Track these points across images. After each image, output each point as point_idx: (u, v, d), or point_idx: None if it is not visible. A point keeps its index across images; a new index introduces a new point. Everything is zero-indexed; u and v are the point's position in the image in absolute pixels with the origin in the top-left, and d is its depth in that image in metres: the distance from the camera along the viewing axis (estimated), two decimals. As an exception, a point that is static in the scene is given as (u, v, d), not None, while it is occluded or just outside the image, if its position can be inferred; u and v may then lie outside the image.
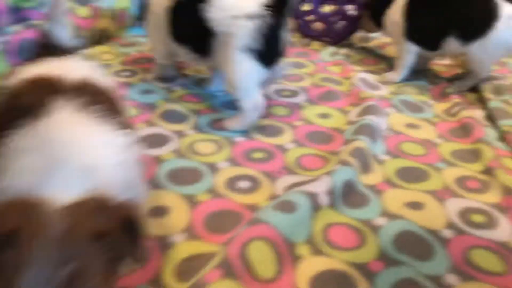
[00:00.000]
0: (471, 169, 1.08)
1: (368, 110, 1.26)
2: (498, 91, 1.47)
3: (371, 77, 1.53)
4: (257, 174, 1.02)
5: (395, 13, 1.47)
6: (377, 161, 1.10)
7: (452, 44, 1.38)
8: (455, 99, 1.38)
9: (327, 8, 1.96)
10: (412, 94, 1.45)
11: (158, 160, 1.05)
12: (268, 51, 1.10)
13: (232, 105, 1.29)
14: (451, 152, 1.15)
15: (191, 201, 0.93)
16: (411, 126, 1.27)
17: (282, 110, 1.31)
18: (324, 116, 1.30)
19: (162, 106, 1.28)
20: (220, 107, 1.30)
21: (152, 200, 0.92)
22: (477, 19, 1.32)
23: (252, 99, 1.14)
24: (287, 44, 1.18)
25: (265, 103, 1.31)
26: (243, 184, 0.99)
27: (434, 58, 1.58)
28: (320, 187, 0.92)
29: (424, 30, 1.42)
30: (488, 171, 1.06)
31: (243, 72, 1.11)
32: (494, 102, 1.34)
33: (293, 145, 1.15)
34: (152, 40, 1.35)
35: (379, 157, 1.12)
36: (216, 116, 1.25)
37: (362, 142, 1.10)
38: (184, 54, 1.25)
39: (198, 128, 1.19)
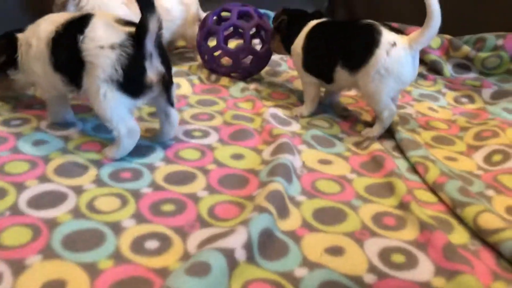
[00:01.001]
0: (386, 205, 1.08)
1: (281, 148, 1.23)
2: (404, 120, 1.52)
3: (281, 112, 1.51)
4: (167, 230, 0.93)
5: (298, 46, 1.49)
6: (294, 203, 1.06)
7: (341, 74, 1.38)
8: (367, 133, 1.39)
9: (234, 43, 1.94)
10: (322, 128, 1.44)
11: (52, 223, 0.92)
12: (131, 82, 1.09)
13: (138, 153, 1.19)
14: (365, 187, 1.15)
15: (92, 270, 0.81)
16: (324, 162, 1.25)
17: (193, 154, 1.24)
18: (237, 157, 1.24)
19: (58, 158, 1.15)
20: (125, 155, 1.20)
21: (43, 274, 0.79)
22: (358, 46, 1.32)
23: (124, 127, 1.13)
24: (163, 75, 1.13)
25: (174, 146, 1.24)
26: (152, 244, 0.89)
27: (339, 91, 1.59)
28: (236, 241, 0.86)
29: (317, 62, 1.44)
30: (402, 205, 1.06)
31: (108, 104, 1.10)
32: (401, 133, 1.37)
33: (206, 192, 1.08)
34: (34, 75, 1.24)
35: (296, 198, 1.08)
36: (120, 165, 1.15)
37: (278, 184, 1.05)
38: (62, 86, 1.19)
39: (99, 181, 1.07)
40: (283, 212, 1.00)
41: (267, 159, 1.22)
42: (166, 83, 1.16)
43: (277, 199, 1.01)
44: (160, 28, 1.08)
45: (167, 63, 1.15)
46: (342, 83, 1.43)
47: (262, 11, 1.91)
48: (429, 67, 2.04)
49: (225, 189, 1.09)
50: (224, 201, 1.05)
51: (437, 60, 2.01)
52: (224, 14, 1.78)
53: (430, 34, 1.27)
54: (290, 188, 1.09)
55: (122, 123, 1.13)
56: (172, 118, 1.24)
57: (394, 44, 1.28)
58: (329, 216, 1.02)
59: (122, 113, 1.13)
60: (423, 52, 2.04)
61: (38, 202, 0.98)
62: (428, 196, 1.13)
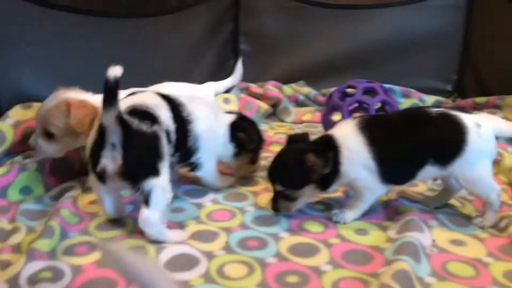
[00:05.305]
0: (531, 295, 0.97)
1: (409, 226, 1.19)
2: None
3: (410, 191, 1.46)
4: (292, 302, 0.94)
5: (360, 159, 1.21)
6: (423, 284, 1.00)
7: (430, 171, 1.23)
8: (503, 211, 1.29)
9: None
10: (454, 207, 1.36)
11: (185, 286, 0.99)
12: (91, 166, 1.14)
13: (263, 222, 1.25)
14: (504, 274, 1.05)
15: (219, 335, 0.85)
16: (456, 243, 1.18)
17: (316, 226, 1.25)
18: (361, 231, 1.23)
19: (192, 225, 1.25)
20: (252, 224, 1.26)
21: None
22: (448, 138, 1.20)
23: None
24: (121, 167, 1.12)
25: (298, 218, 1.26)
26: (277, 315, 0.91)
27: None
28: (361, 319, 0.83)
29: (401, 169, 1.25)
30: (551, 297, 0.95)
31: None
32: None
33: (330, 266, 1.07)
34: None
35: (424, 279, 1.02)
36: (247, 233, 1.21)
37: (405, 264, 1.01)
38: None
39: (228, 248, 1.14)
40: (411, 294, 0.96)
41: (393, 237, 1.18)
42: (126, 177, 1.13)
43: (404, 279, 0.97)
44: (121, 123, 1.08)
45: (134, 158, 1.12)
46: (423, 178, 1.31)
47: (387, 86, 1.93)
48: None
49: (349, 264, 1.08)
50: (349, 276, 1.04)
51: None
52: (349, 90, 1.83)
53: None
54: (418, 268, 1.04)
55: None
56: (139, 218, 1.14)
57: (479, 125, 1.20)
58: (462, 302, 0.95)
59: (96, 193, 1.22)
60: None
61: (174, 264, 1.07)
62: None
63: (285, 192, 1.23)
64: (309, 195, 1.28)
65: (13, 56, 1.70)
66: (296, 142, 1.30)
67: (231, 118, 1.49)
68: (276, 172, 1.25)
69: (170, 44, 2.25)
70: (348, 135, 1.24)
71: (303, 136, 1.31)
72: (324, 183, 1.24)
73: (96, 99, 1.37)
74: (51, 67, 1.77)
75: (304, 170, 1.20)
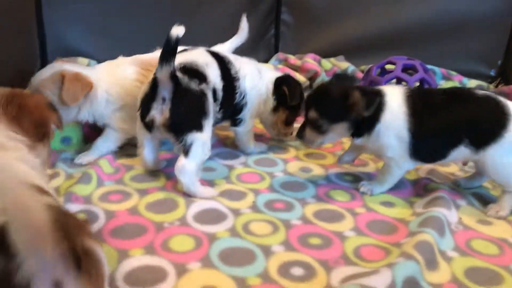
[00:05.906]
0: (554, 277, 0.97)
1: (435, 202, 1.19)
2: None
3: (440, 170, 1.46)
4: (312, 261, 0.97)
5: (397, 128, 1.20)
6: (445, 257, 1.01)
7: (461, 153, 1.20)
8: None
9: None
10: (485, 188, 1.35)
11: (212, 237, 1.03)
12: (141, 117, 1.23)
13: (292, 188, 1.27)
14: (530, 255, 1.04)
15: (242, 284, 0.89)
16: (483, 222, 1.17)
17: (343, 195, 1.27)
18: (388, 204, 1.24)
19: (222, 184, 1.28)
20: (279, 188, 1.28)
21: (201, 279, 0.89)
22: (487, 121, 1.17)
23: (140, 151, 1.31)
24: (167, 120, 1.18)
25: (326, 186, 1.28)
26: (297, 271, 0.94)
27: None
28: (380, 281, 0.85)
29: (435, 144, 1.22)
30: None
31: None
32: None
33: (353, 233, 1.09)
34: None
35: (447, 253, 1.03)
36: (275, 196, 1.24)
37: (428, 236, 1.02)
38: None
39: (255, 207, 1.17)
40: (431, 264, 0.97)
41: (419, 211, 1.19)
42: (171, 129, 1.19)
43: (426, 250, 0.98)
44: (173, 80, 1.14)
45: (180, 113, 1.18)
46: (453, 159, 1.28)
47: (428, 66, 1.89)
48: None
49: (372, 233, 1.10)
50: (371, 244, 1.05)
51: None
52: (388, 67, 1.81)
53: None
54: (441, 242, 1.05)
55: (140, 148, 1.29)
56: (176, 165, 1.20)
57: None
58: (483, 277, 0.95)
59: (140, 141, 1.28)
60: None
61: (203, 217, 1.11)
62: None
63: (318, 121, 1.21)
64: (338, 134, 1.25)
65: (60, 12, 1.75)
66: (343, 79, 1.29)
67: (277, 74, 1.53)
68: (316, 99, 1.23)
69: (212, 10, 2.26)
70: (397, 99, 1.20)
71: (351, 75, 1.31)
72: (356, 129, 1.22)
73: (92, 73, 1.37)
74: (95, 24, 1.83)
75: (345, 105, 1.17)
